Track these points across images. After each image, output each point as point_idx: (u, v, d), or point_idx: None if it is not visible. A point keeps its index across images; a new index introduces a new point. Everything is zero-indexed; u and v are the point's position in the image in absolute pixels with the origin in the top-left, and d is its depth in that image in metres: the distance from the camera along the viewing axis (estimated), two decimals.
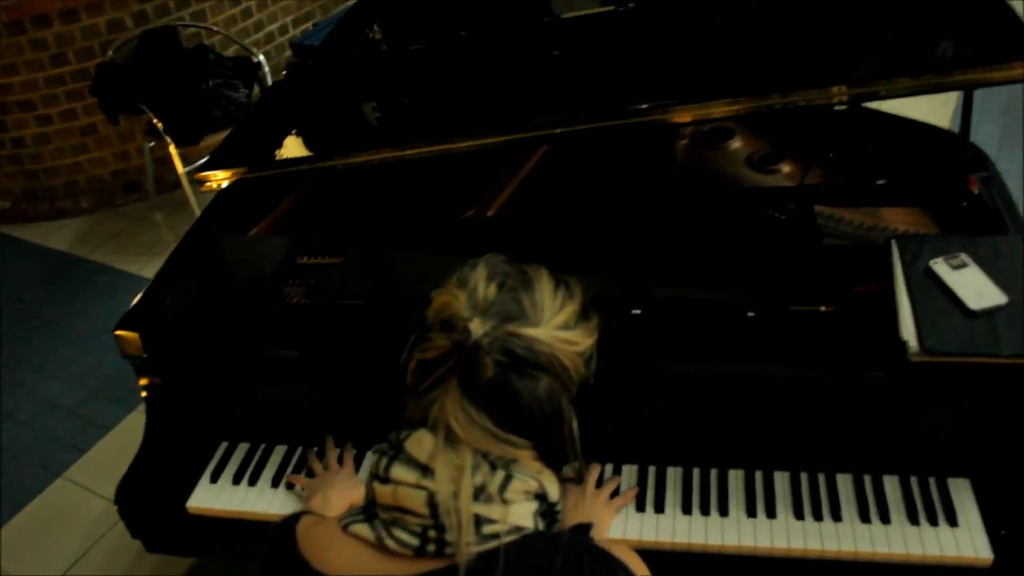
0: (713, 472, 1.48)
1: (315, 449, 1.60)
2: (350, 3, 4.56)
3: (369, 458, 1.59)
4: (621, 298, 1.49)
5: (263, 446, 1.66)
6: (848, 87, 1.53)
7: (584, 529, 1.33)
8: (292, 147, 1.93)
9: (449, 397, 0.93)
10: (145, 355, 1.64)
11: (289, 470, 1.61)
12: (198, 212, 2.09)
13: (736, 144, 2.06)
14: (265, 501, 1.56)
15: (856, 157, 1.91)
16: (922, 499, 1.39)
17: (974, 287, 1.36)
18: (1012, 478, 1.37)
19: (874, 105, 2.01)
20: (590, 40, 2.00)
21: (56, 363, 3.15)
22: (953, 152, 1.80)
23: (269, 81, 3.89)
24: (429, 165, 1.73)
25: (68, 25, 3.69)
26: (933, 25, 1.70)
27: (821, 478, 1.44)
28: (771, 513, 1.40)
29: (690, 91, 1.62)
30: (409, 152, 1.67)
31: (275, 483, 1.59)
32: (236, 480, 1.61)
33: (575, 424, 0.99)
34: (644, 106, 1.59)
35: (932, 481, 1.41)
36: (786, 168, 1.95)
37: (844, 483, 1.43)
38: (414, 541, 0.91)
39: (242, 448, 1.66)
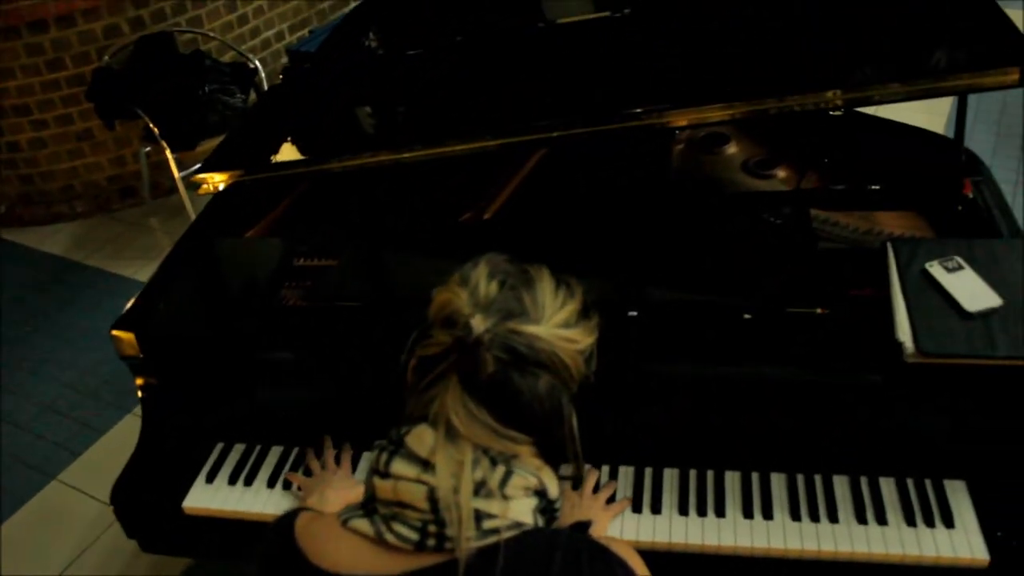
0: (710, 474, 1.48)
1: (312, 449, 1.60)
2: (346, 10, 4.58)
3: (366, 458, 1.59)
4: (617, 300, 1.50)
5: (259, 447, 1.66)
6: (842, 92, 1.53)
7: (583, 527, 1.33)
8: (289, 150, 1.94)
9: (450, 393, 0.93)
10: (141, 355, 1.64)
11: (285, 471, 1.61)
12: (194, 217, 2.09)
13: (732, 149, 2.07)
14: (261, 501, 1.56)
15: (851, 162, 1.92)
16: (918, 500, 1.39)
17: (969, 289, 1.37)
18: (1008, 479, 1.37)
19: (870, 110, 2.02)
20: (586, 45, 2.01)
21: (51, 366, 3.14)
22: (948, 156, 1.81)
23: (265, 87, 3.90)
24: (426, 168, 1.73)
25: (64, 30, 3.69)
26: (927, 30, 1.71)
27: (818, 479, 1.45)
28: (768, 514, 1.41)
29: (686, 95, 1.63)
30: (406, 155, 1.68)
31: (271, 483, 1.59)
32: (232, 480, 1.61)
33: (575, 422, 0.99)
34: (640, 110, 1.60)
35: (928, 483, 1.42)
36: (781, 173, 1.96)
37: (841, 484, 1.44)
38: (414, 536, 0.92)
39: (238, 449, 1.66)
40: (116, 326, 1.64)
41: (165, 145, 3.53)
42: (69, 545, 2.41)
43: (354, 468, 1.58)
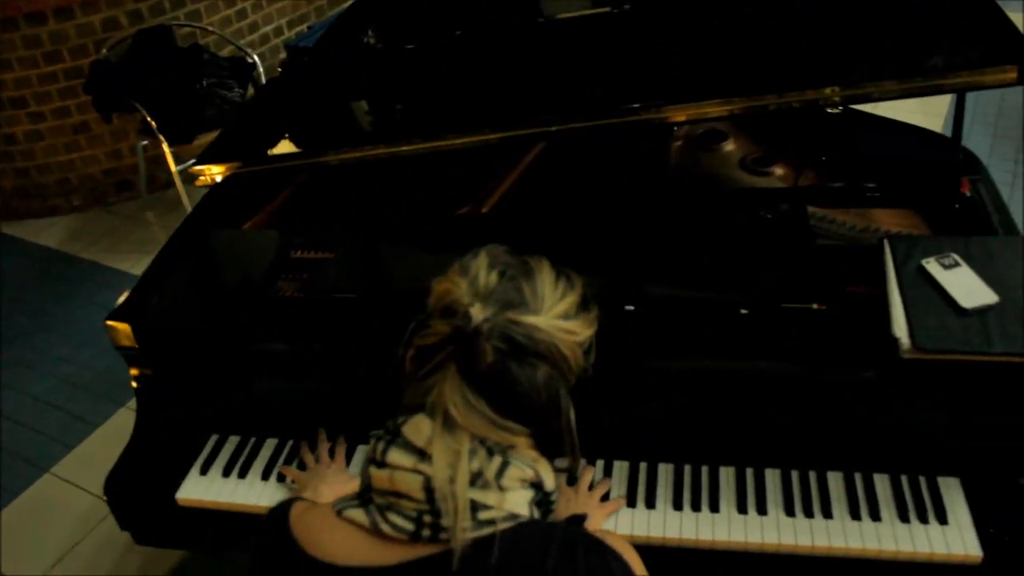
0: (704, 469, 1.48)
1: (307, 441, 1.60)
2: (344, 6, 4.57)
3: (361, 451, 1.59)
4: (614, 294, 1.50)
5: (253, 439, 1.66)
6: (841, 88, 1.54)
7: (578, 520, 1.33)
8: (287, 143, 1.93)
9: (448, 382, 0.93)
10: (136, 346, 1.64)
11: (279, 463, 1.61)
12: (190, 211, 2.09)
13: (729, 146, 2.08)
14: (255, 494, 1.56)
15: (849, 160, 1.92)
16: (912, 497, 1.39)
17: (965, 286, 1.37)
18: (1002, 476, 1.38)
19: (868, 108, 2.02)
20: (586, 40, 2.01)
21: (45, 360, 3.13)
22: (945, 155, 1.81)
23: (263, 82, 3.89)
24: (424, 161, 1.73)
25: (63, 23, 3.68)
26: (926, 29, 1.72)
27: (812, 475, 1.45)
28: (762, 510, 1.41)
29: (684, 91, 1.63)
30: (404, 148, 1.68)
31: (265, 476, 1.59)
32: (226, 472, 1.61)
33: (572, 414, 0.99)
34: (638, 105, 1.60)
35: (922, 479, 1.42)
36: (779, 171, 1.96)
37: (835, 480, 1.44)
38: (409, 526, 0.91)
39: (232, 441, 1.66)
40: (111, 317, 1.64)
41: (162, 139, 3.53)
42: (62, 538, 2.40)
43: (348, 461, 1.58)
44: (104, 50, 3.70)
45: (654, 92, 1.64)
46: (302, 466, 1.58)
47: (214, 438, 1.67)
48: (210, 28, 4.04)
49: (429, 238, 1.77)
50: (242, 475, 1.60)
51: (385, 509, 0.93)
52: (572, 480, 1.45)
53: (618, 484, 1.48)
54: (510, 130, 1.64)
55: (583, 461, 1.51)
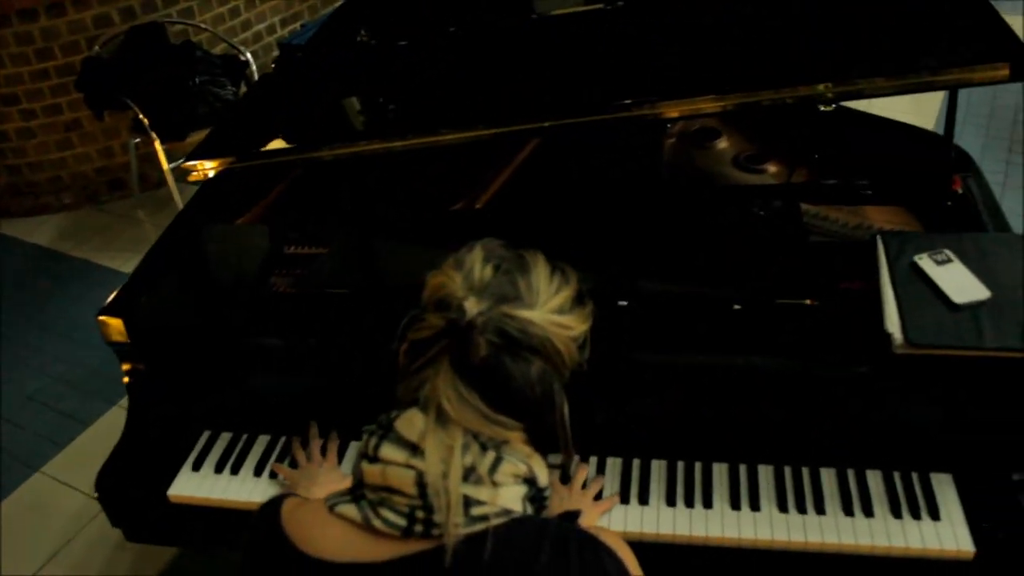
0: (697, 465, 1.48)
1: (299, 438, 1.59)
2: (338, 5, 4.56)
3: (354, 448, 1.58)
4: (608, 289, 1.49)
5: (246, 436, 1.65)
6: (833, 84, 1.54)
7: (572, 516, 1.33)
8: (280, 138, 1.93)
9: (441, 376, 0.92)
10: (128, 341, 1.63)
11: (272, 459, 1.60)
12: (183, 207, 2.08)
13: (723, 144, 2.08)
14: (247, 490, 1.56)
15: (841, 157, 1.92)
16: (905, 493, 1.40)
17: (957, 282, 1.38)
18: (994, 472, 1.38)
19: (862, 106, 2.03)
20: (580, 37, 2.01)
21: (37, 358, 3.12)
22: (937, 152, 1.82)
23: (256, 79, 3.88)
24: (419, 157, 1.73)
25: (54, 19, 3.66)
26: (919, 26, 1.72)
27: (805, 472, 1.45)
28: (755, 506, 1.41)
29: (678, 87, 1.63)
30: (397, 143, 1.67)
31: (258, 472, 1.59)
32: (218, 469, 1.60)
33: (566, 410, 0.98)
34: (631, 101, 1.60)
35: (915, 476, 1.42)
36: (772, 168, 1.97)
37: (828, 477, 1.44)
38: (401, 521, 0.91)
39: (225, 437, 1.66)
40: (103, 312, 1.63)
41: (154, 136, 3.51)
42: (52, 537, 2.39)
43: (341, 458, 1.57)
44: (96, 47, 3.69)
45: (648, 88, 1.64)
46: (294, 464, 1.57)
47: (206, 434, 1.67)
48: (203, 25, 4.03)
49: (423, 234, 1.76)
50: (235, 471, 1.59)
51: (377, 504, 0.93)
52: (566, 478, 1.45)
53: (611, 480, 1.48)
54: (504, 126, 1.64)
55: (576, 458, 1.51)
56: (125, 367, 1.67)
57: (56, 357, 3.11)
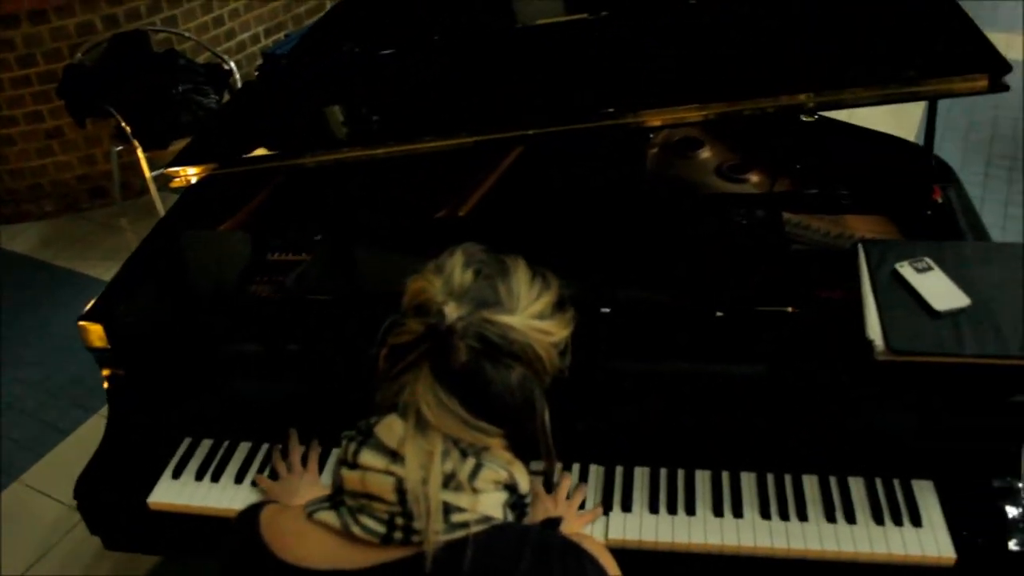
0: (680, 472, 1.48)
1: (280, 447, 1.58)
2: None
3: (335, 455, 1.57)
4: (590, 297, 1.49)
5: (227, 442, 1.64)
6: (815, 94, 1.55)
7: (554, 524, 1.32)
8: (263, 145, 1.92)
9: (420, 381, 0.92)
10: (109, 346, 1.62)
11: (253, 466, 1.59)
12: (164, 213, 2.07)
13: (705, 154, 2.09)
14: (228, 497, 1.54)
15: (823, 167, 1.94)
16: (887, 500, 1.40)
17: (938, 289, 1.39)
18: (974, 479, 1.39)
19: (843, 117, 2.04)
20: (564, 46, 2.01)
21: (16, 366, 3.08)
22: (918, 163, 1.83)
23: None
24: (402, 165, 1.72)
25: (37, 26, 3.64)
26: (900, 38, 1.73)
27: (787, 479, 1.45)
28: (738, 513, 1.41)
29: (661, 96, 1.64)
30: (380, 151, 1.67)
31: (239, 479, 1.57)
32: (199, 476, 1.59)
33: (547, 416, 0.98)
34: (614, 109, 1.60)
35: (897, 482, 1.43)
36: (754, 178, 1.98)
37: (810, 484, 1.44)
38: (380, 528, 0.90)
39: (205, 444, 1.65)
40: (84, 317, 1.62)
41: (137, 144, 3.49)
42: (30, 547, 2.36)
43: (322, 466, 1.56)
44: (79, 54, 3.67)
45: (630, 97, 1.64)
46: (275, 475, 1.56)
47: (187, 441, 1.65)
48: (187, 34, 4.02)
49: (406, 241, 1.76)
50: (215, 478, 1.58)
51: (356, 511, 0.92)
52: (550, 487, 1.44)
53: (594, 488, 1.48)
54: (487, 134, 1.64)
55: (560, 466, 1.51)
56: (105, 373, 1.66)
57: (35, 365, 3.08)
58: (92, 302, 1.66)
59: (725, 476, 1.47)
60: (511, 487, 0.97)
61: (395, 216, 1.87)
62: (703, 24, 1.95)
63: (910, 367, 1.32)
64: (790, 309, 1.45)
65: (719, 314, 1.45)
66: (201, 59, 4.01)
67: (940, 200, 1.77)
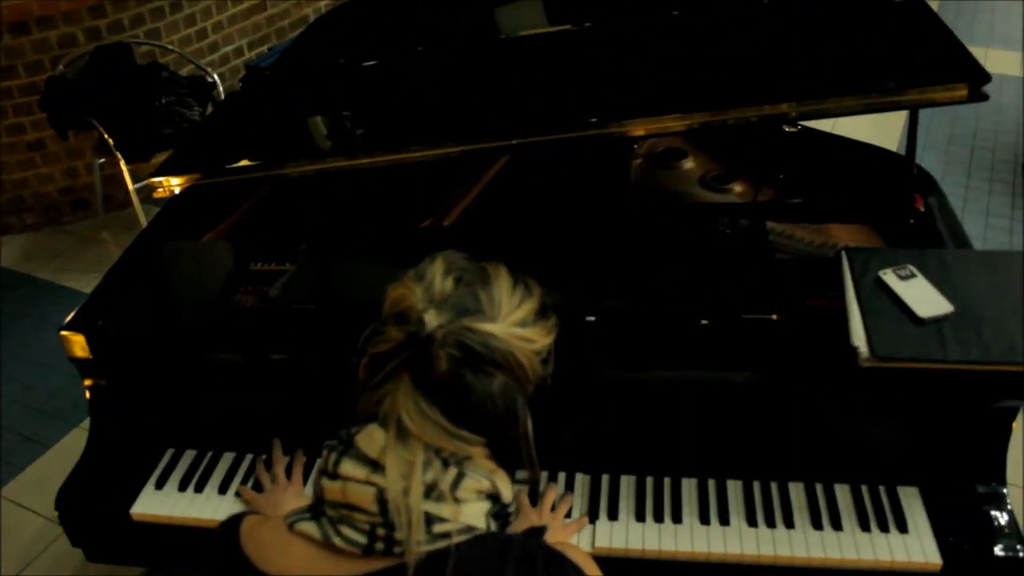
0: (667, 480, 1.48)
1: (263, 457, 1.57)
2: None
3: (319, 465, 1.56)
4: (575, 305, 1.49)
5: (210, 453, 1.63)
6: (797, 104, 1.56)
7: (538, 533, 1.31)
8: (246, 156, 1.91)
9: (401, 391, 0.91)
10: (91, 357, 1.60)
11: (237, 476, 1.58)
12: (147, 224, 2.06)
13: (689, 164, 2.10)
14: (212, 507, 1.53)
15: (806, 177, 1.95)
16: (873, 506, 1.41)
17: (922, 296, 1.39)
18: (960, 485, 1.39)
19: (826, 128, 2.06)
20: (548, 57, 2.02)
21: None
22: (900, 172, 1.84)
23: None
24: (387, 175, 1.72)
25: (18, 38, 3.62)
26: (881, 49, 1.75)
27: (773, 486, 1.45)
28: (724, 520, 1.41)
29: (644, 106, 1.65)
30: (364, 160, 1.67)
31: (222, 490, 1.57)
32: (182, 486, 1.58)
33: (530, 425, 0.97)
34: (597, 119, 1.61)
35: (882, 489, 1.43)
36: (738, 188, 1.98)
37: (796, 491, 1.45)
38: (362, 539, 0.89)
39: (189, 454, 1.64)
40: (66, 327, 1.61)
41: (119, 156, 3.47)
42: (11, 562, 2.33)
43: (307, 476, 1.55)
44: (60, 66, 3.65)
45: (615, 107, 1.65)
46: (259, 486, 1.54)
47: (170, 452, 1.64)
48: (170, 47, 4.00)
49: (391, 251, 1.75)
50: (199, 489, 1.57)
51: (337, 522, 0.91)
52: (535, 498, 1.43)
53: (580, 497, 1.47)
54: (471, 143, 1.64)
55: (545, 476, 1.50)
56: (87, 383, 1.64)
57: (17, 378, 3.05)
58: (74, 312, 1.65)
59: (711, 484, 1.46)
60: (494, 497, 0.96)
61: (380, 226, 1.86)
62: (687, 35, 1.96)
63: (894, 373, 1.32)
64: (775, 317, 1.45)
65: (704, 322, 1.45)
66: (184, 72, 4.00)
67: (922, 209, 1.78)
